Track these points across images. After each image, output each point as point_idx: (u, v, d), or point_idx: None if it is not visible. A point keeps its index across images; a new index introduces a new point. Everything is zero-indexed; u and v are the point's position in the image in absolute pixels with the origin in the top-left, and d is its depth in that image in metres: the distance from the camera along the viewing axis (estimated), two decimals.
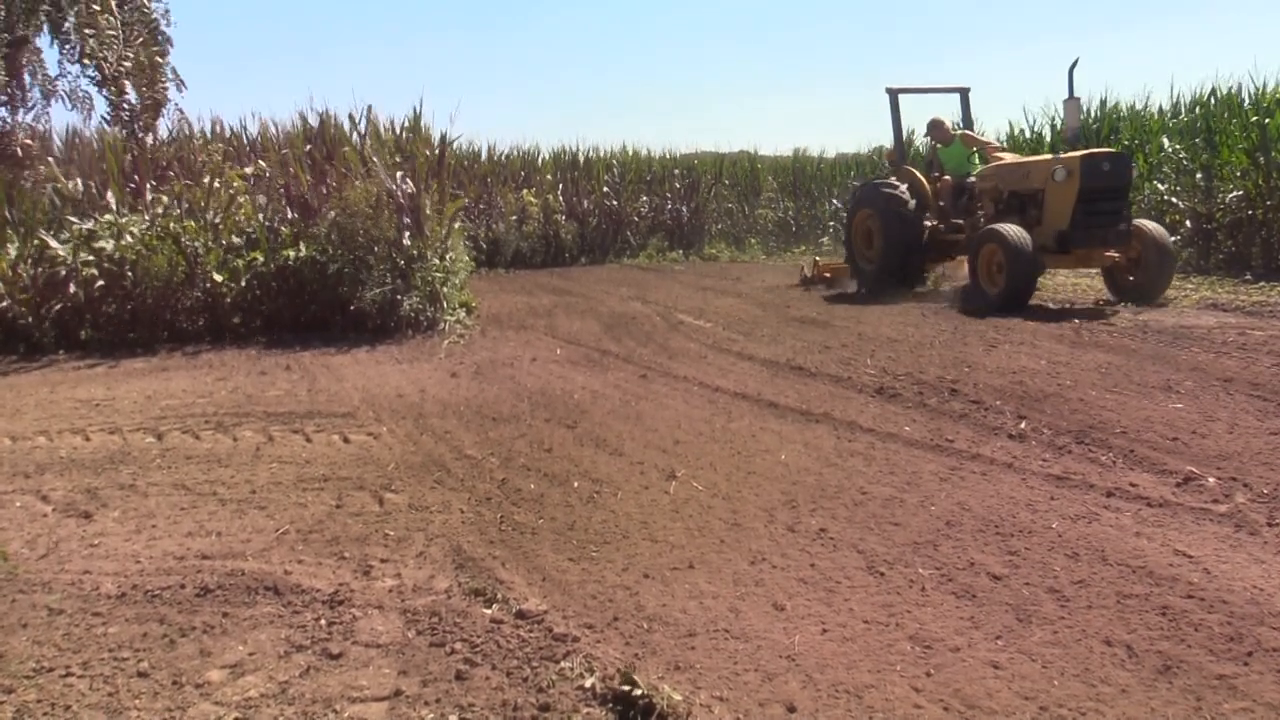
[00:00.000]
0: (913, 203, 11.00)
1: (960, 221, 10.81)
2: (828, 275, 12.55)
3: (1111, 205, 9.16)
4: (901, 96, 12.08)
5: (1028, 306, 9.10)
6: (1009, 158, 10.90)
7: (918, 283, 11.20)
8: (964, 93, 12.19)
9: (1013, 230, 9.07)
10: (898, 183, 11.31)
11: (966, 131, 11.78)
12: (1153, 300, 9.17)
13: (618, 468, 4.56)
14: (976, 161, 11.18)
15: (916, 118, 12.49)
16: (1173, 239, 12.11)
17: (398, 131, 10.68)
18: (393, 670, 2.61)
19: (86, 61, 10.75)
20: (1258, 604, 2.87)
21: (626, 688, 2.40)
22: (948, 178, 11.13)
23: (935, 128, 11.65)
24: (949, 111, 12.64)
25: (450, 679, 2.56)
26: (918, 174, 11.48)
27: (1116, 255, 9.37)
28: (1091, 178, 9.05)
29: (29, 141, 11.45)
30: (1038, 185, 9.58)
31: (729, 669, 2.61)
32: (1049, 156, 10.07)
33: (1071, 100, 9.80)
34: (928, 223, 11.07)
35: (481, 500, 4.14)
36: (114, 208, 9.82)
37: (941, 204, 11.11)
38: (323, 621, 2.92)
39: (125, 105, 11.04)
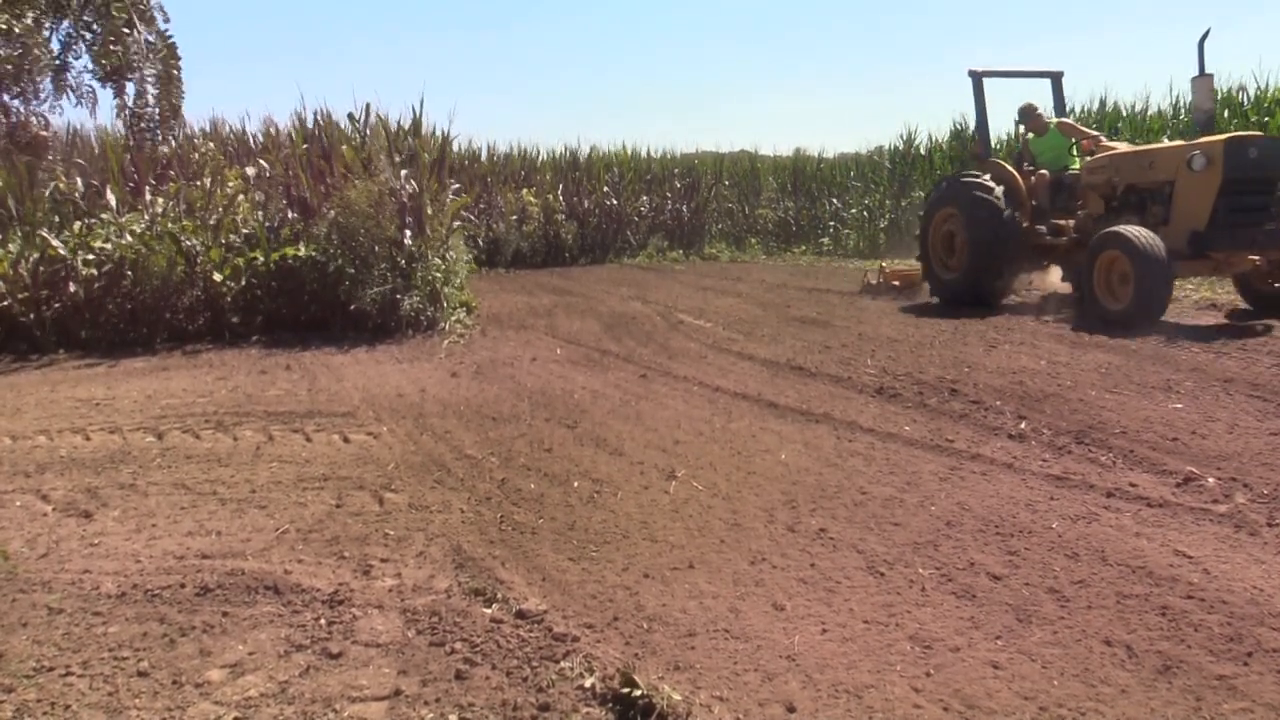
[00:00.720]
0: (1004, 201, 9.46)
1: (1061, 222, 9.56)
2: (896, 283, 11.24)
3: (1259, 199, 7.84)
4: (986, 81, 10.71)
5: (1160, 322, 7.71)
6: (1122, 146, 9.62)
7: (1007, 292, 9.81)
8: (1056, 77, 10.95)
9: (1140, 233, 7.67)
10: (985, 178, 9.82)
11: (1063, 119, 10.51)
12: None
13: (618, 468, 4.56)
14: (1075, 153, 9.96)
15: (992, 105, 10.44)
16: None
17: (398, 131, 10.68)
18: (392, 670, 2.61)
19: (104, 63, 10.95)
20: (1258, 604, 2.87)
21: (626, 688, 2.40)
22: (1044, 172, 9.80)
23: (1028, 115, 10.23)
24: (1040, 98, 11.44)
25: (450, 678, 2.56)
26: (1008, 167, 10.07)
27: (1258, 259, 7.84)
28: (1237, 167, 7.72)
29: (44, 132, 11.48)
30: (1165, 177, 8.26)
31: (729, 669, 2.61)
32: (1179, 143, 8.79)
33: (1202, 78, 8.42)
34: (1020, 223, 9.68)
35: (481, 500, 4.14)
36: (114, 207, 9.83)
37: (1035, 202, 9.73)
38: (323, 621, 2.92)
39: (144, 113, 11.33)
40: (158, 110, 11.53)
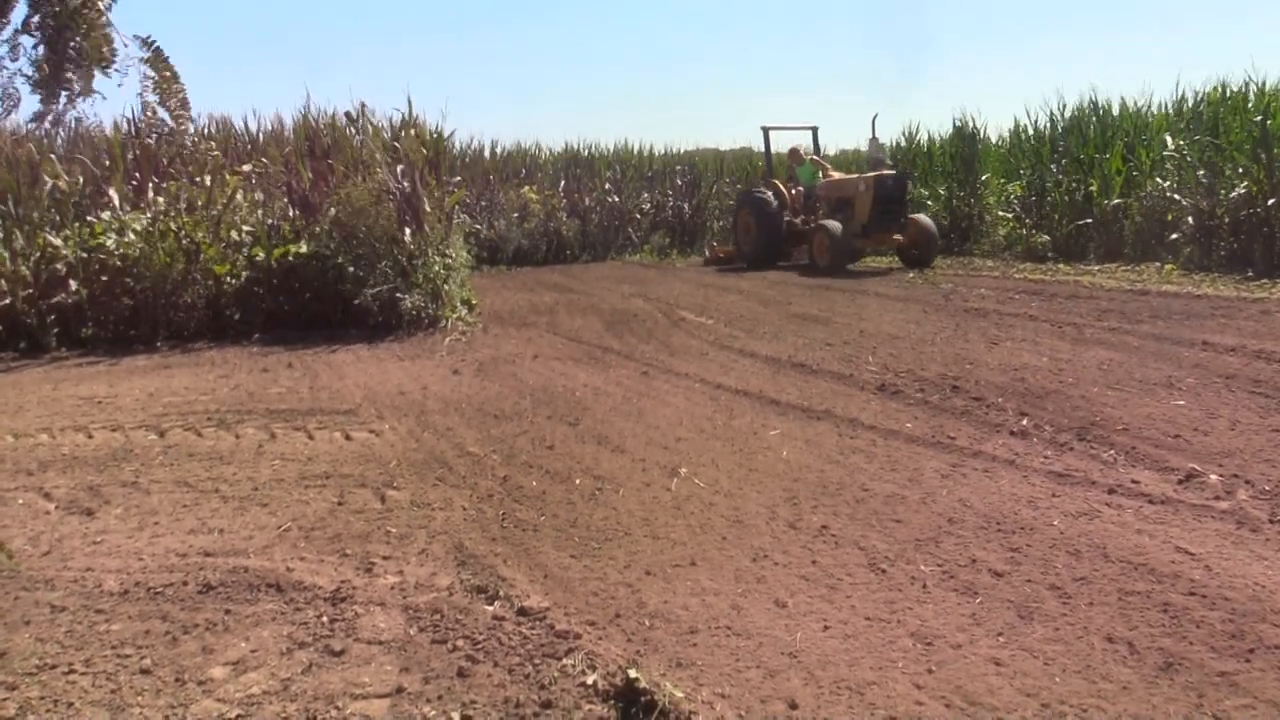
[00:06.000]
0: (775, 205, 15.09)
1: (809, 219, 14.81)
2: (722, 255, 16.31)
3: (896, 208, 13.45)
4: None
5: None
6: (836, 175, 15.13)
7: (783, 257, 15.26)
8: (814, 130, 16.63)
9: (834, 225, 13.45)
10: (767, 192, 15.27)
11: (814, 157, 15.83)
12: None
13: (620, 465, 4.56)
14: (820, 177, 15.09)
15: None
16: (1174, 235, 12.18)
17: (396, 128, 10.68)
18: (395, 667, 2.61)
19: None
20: (1259, 601, 2.87)
21: (629, 685, 2.40)
22: (800, 188, 15.22)
23: (793, 154, 15.99)
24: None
25: (452, 676, 2.56)
26: (780, 185, 15.44)
27: (900, 238, 13.54)
28: (882, 190, 13.26)
29: None
30: (849, 194, 13.87)
31: (731, 666, 2.61)
32: (856, 175, 14.57)
33: (874, 140, 15.08)
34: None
35: (483, 497, 4.14)
36: (116, 205, 9.83)
37: (795, 206, 15.25)
38: (325, 619, 2.93)
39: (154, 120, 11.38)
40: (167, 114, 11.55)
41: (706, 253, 17.33)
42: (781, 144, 17.54)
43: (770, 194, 15.05)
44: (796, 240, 14.86)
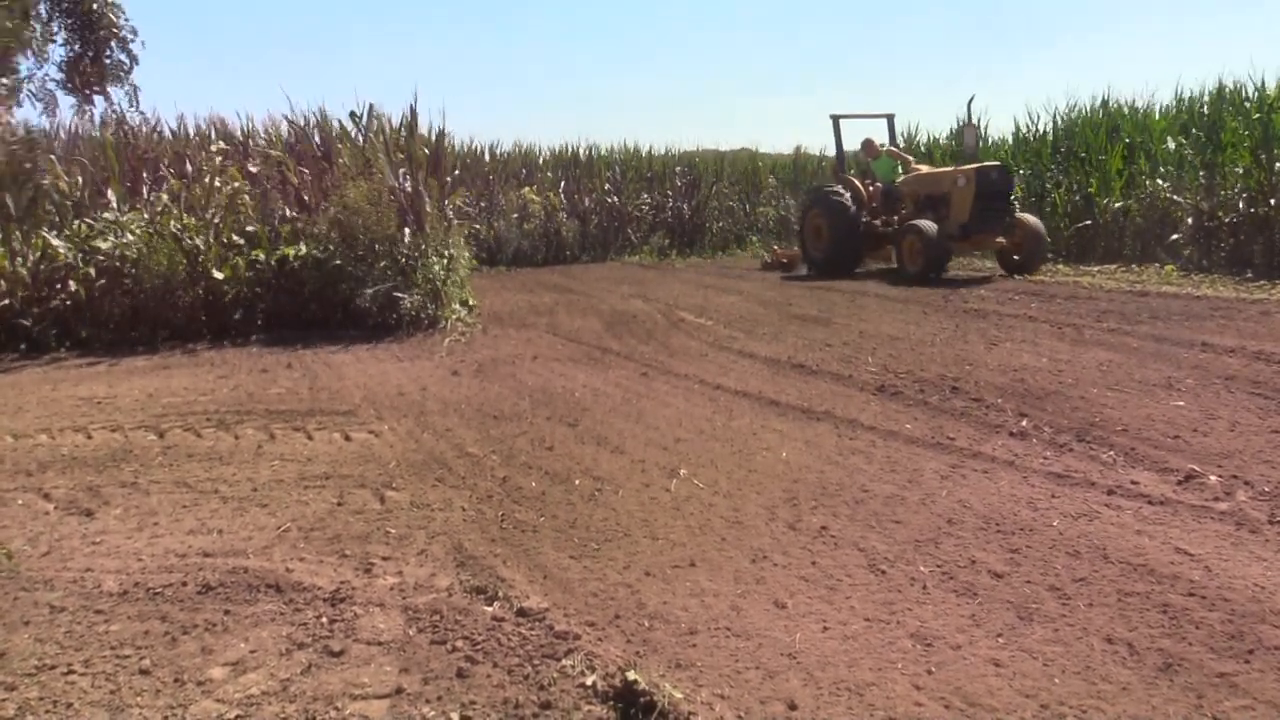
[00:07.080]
0: (852, 204, 13.32)
1: (890, 218, 13.17)
2: (785, 260, 14.69)
3: (1000, 204, 11.56)
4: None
5: None
6: (924, 168, 13.33)
7: (858, 264, 13.60)
8: (890, 117, 14.52)
9: (927, 225, 11.69)
10: (841, 190, 13.45)
11: (890, 148, 14.05)
12: None
13: (619, 466, 4.56)
14: (900, 171, 13.38)
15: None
16: (1174, 236, 12.20)
17: (396, 129, 10.68)
18: (394, 668, 2.61)
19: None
20: (1259, 602, 2.87)
21: (628, 686, 2.40)
22: (878, 185, 13.48)
23: (867, 146, 13.97)
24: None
25: (451, 676, 2.56)
26: (855, 182, 13.69)
27: (1003, 241, 11.81)
28: (984, 184, 11.46)
29: None
30: (944, 190, 11.99)
31: (730, 667, 2.61)
32: (951, 168, 12.66)
33: (969, 126, 12.35)
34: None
35: (483, 498, 4.14)
36: (114, 206, 9.83)
37: (874, 205, 13.46)
38: (324, 619, 2.93)
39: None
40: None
41: (766, 257, 15.69)
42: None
43: (846, 192, 13.23)
44: (875, 244, 13.09)
